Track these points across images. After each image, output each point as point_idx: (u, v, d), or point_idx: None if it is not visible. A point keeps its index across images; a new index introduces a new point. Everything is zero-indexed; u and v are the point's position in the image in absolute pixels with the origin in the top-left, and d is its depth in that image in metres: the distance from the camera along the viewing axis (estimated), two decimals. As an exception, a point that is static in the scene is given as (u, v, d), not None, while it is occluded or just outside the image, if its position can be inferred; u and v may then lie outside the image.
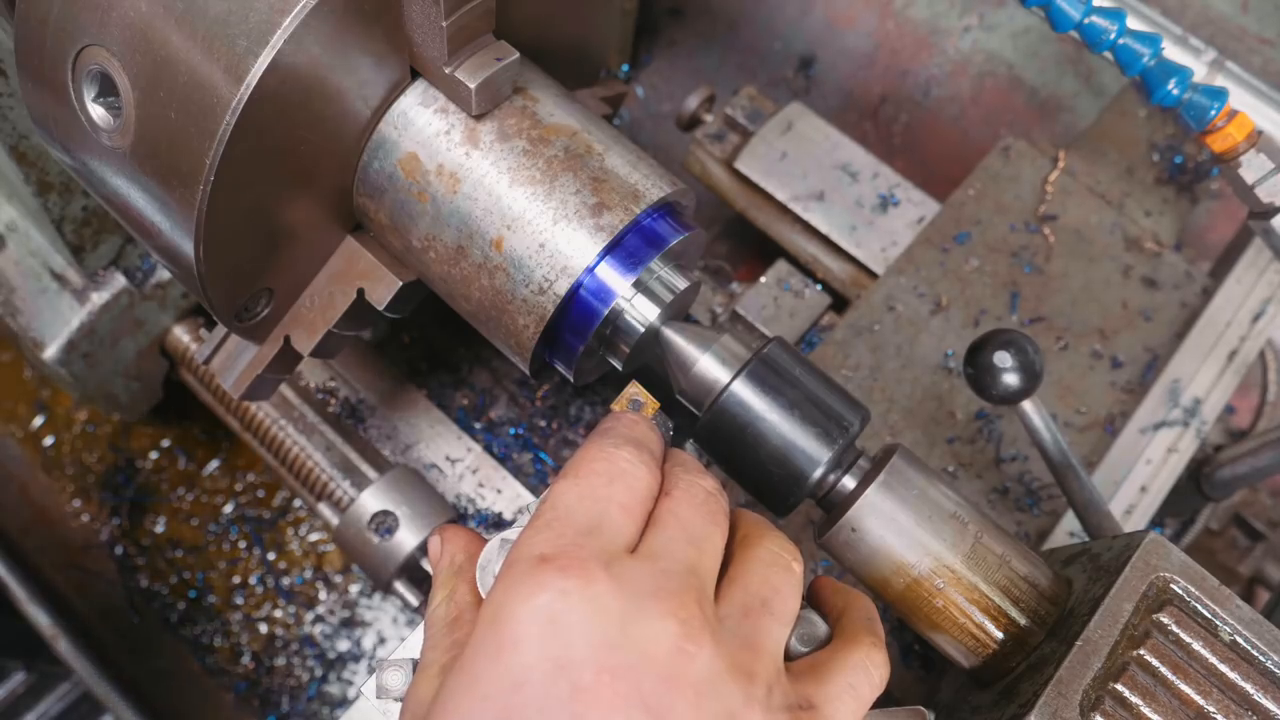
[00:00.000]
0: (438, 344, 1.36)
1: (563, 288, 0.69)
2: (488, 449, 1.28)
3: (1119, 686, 0.64)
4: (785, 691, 0.53)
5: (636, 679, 0.47)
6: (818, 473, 0.70)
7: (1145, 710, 0.63)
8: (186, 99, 0.62)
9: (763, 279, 1.22)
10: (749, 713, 0.49)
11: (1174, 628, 0.65)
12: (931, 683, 1.00)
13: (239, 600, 1.33)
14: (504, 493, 1.23)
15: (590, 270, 0.69)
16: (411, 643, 0.65)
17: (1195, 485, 1.20)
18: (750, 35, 1.74)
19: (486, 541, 0.61)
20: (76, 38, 0.65)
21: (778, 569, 0.56)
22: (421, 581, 1.16)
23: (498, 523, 1.21)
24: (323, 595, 1.33)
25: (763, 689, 0.51)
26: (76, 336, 1.13)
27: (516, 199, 0.69)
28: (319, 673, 1.30)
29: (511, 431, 1.32)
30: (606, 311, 0.70)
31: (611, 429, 0.60)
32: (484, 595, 0.59)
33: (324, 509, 1.15)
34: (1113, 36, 0.81)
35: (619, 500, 0.54)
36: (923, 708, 0.65)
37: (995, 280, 1.14)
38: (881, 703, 0.60)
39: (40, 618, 1.25)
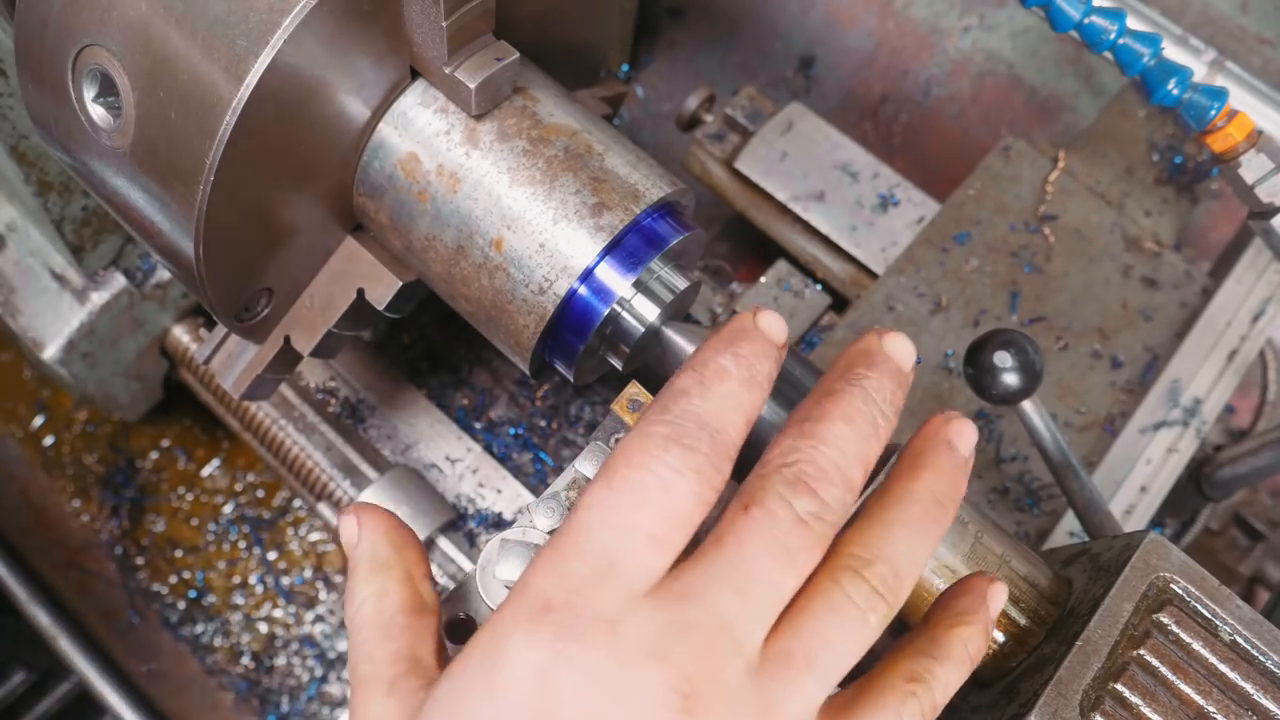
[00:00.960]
0: (438, 344, 1.36)
1: (563, 288, 0.69)
2: (488, 449, 1.28)
3: (1119, 686, 0.64)
4: None
5: None
6: (818, 473, 0.70)
7: (1145, 710, 0.63)
8: (186, 99, 0.62)
9: (763, 279, 1.22)
10: None
11: (1174, 628, 0.65)
12: (931, 683, 0.99)
13: (239, 600, 1.33)
14: (504, 493, 1.23)
15: (590, 270, 0.69)
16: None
17: (1195, 485, 1.20)
18: (750, 35, 1.74)
19: (407, 526, 0.58)
20: (76, 37, 0.65)
21: (841, 620, 0.47)
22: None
23: (498, 523, 1.21)
24: (323, 595, 1.33)
25: None
26: (76, 336, 1.13)
27: (516, 199, 0.69)
28: (319, 673, 1.30)
29: (511, 431, 1.32)
30: (607, 311, 0.70)
31: (679, 396, 0.48)
32: (484, 596, 0.59)
33: (324, 509, 1.15)
34: (1113, 36, 0.81)
35: (647, 529, 0.45)
36: (923, 708, 0.65)
37: (995, 280, 1.14)
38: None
39: (40, 618, 1.25)
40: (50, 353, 1.13)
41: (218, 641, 1.31)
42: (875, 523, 0.50)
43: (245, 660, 1.30)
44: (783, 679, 0.45)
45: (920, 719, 0.50)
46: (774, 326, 0.51)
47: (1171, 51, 1.08)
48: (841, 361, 0.52)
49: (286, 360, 0.82)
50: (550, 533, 0.60)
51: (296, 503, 1.37)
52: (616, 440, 0.66)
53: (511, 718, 0.43)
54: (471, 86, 0.67)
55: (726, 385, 0.48)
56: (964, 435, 0.53)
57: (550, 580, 0.45)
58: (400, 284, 0.76)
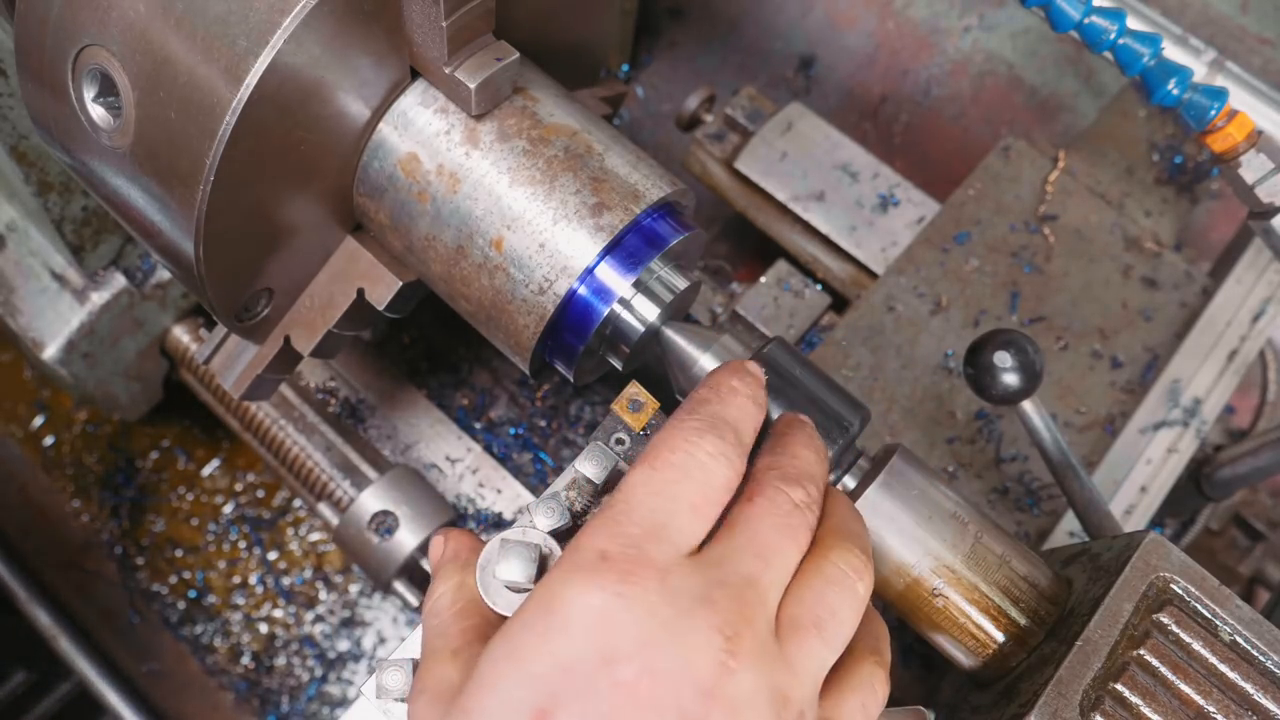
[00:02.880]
0: (438, 344, 1.36)
1: (563, 288, 0.69)
2: (488, 449, 1.28)
3: (1119, 686, 0.64)
4: (815, 715, 0.53)
5: (676, 685, 0.48)
6: (818, 473, 0.70)
7: (1145, 710, 0.63)
8: (186, 99, 0.62)
9: (763, 279, 1.22)
10: None
11: (1174, 628, 0.65)
12: (931, 683, 1.00)
13: (239, 600, 1.33)
14: (504, 493, 1.23)
15: (590, 270, 0.69)
16: (411, 643, 0.65)
17: (1195, 485, 1.20)
18: (750, 35, 1.74)
19: (487, 544, 0.61)
20: (76, 37, 0.65)
21: (839, 589, 0.55)
22: (422, 582, 1.16)
23: (498, 523, 1.21)
24: (323, 595, 1.33)
25: (795, 713, 0.51)
26: (76, 336, 1.13)
27: (516, 199, 0.69)
28: (319, 673, 1.30)
29: (511, 431, 1.32)
30: (607, 311, 0.70)
31: (703, 403, 0.58)
32: (484, 595, 0.59)
33: (324, 509, 1.15)
34: (1113, 36, 0.81)
35: (690, 499, 0.53)
36: (922, 708, 0.66)
37: (995, 280, 1.14)
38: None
39: (40, 618, 1.25)
40: (50, 353, 1.13)
41: (218, 641, 1.31)
42: (837, 520, 0.60)
43: (245, 660, 1.30)
44: (796, 641, 0.52)
45: (885, 685, 0.59)
46: (757, 370, 0.63)
47: (1171, 51, 1.08)
48: (781, 419, 0.64)
49: (286, 360, 0.82)
50: (551, 533, 0.61)
51: (296, 503, 1.37)
52: (616, 440, 0.66)
53: (574, 654, 0.48)
54: (471, 86, 0.67)
55: (739, 399, 0.59)
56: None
57: (604, 537, 0.51)
58: (400, 284, 0.76)
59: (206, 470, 1.39)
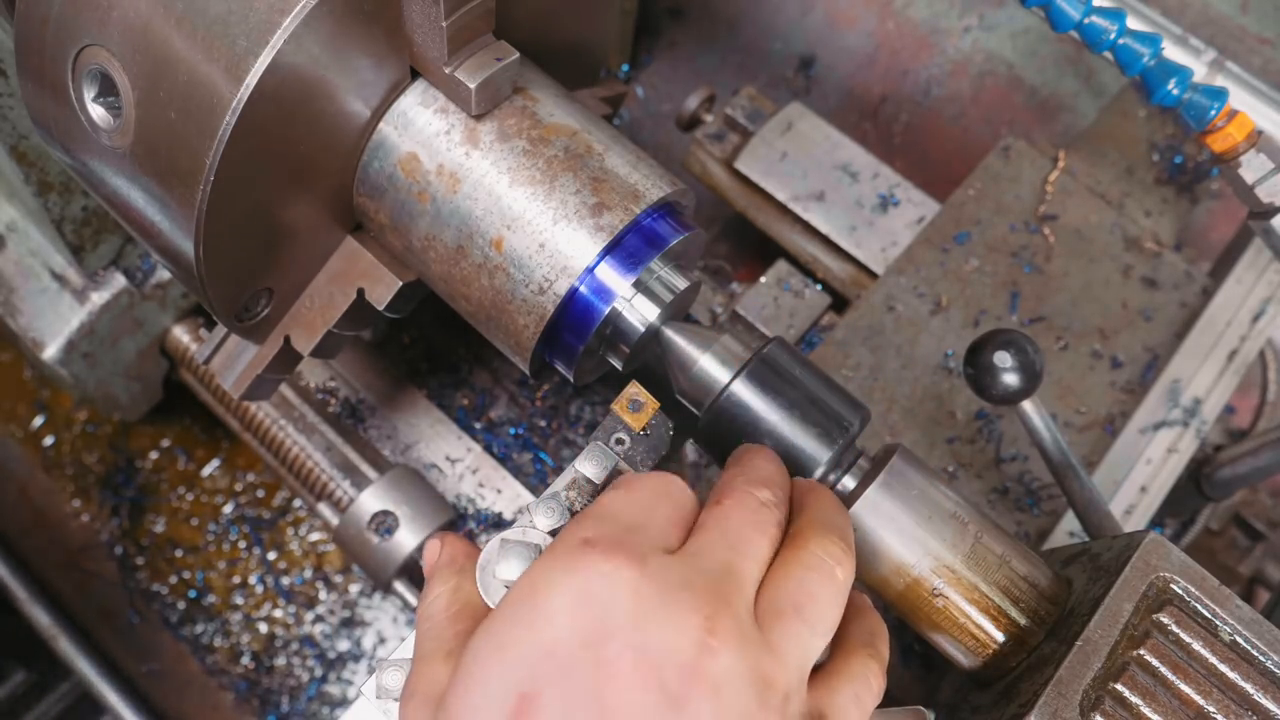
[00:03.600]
0: (438, 344, 1.36)
1: (563, 288, 0.69)
2: (488, 449, 1.28)
3: (1119, 686, 0.64)
4: (803, 701, 0.53)
5: (659, 664, 0.48)
6: (818, 473, 0.70)
7: (1145, 710, 0.63)
8: (186, 99, 0.62)
9: (763, 279, 1.22)
10: (764, 717, 0.50)
11: (1174, 628, 0.65)
12: (931, 683, 1.00)
13: (239, 600, 1.33)
14: (504, 493, 1.23)
15: (590, 270, 0.69)
16: (411, 642, 0.65)
17: (1195, 485, 1.20)
18: (750, 35, 1.74)
19: (486, 544, 0.61)
20: (76, 37, 0.65)
21: (818, 575, 0.56)
22: (422, 582, 1.15)
23: (498, 523, 1.21)
24: (323, 595, 1.33)
25: (780, 696, 0.51)
26: (76, 336, 1.13)
27: (516, 199, 0.70)
28: (319, 673, 1.30)
29: (511, 431, 1.32)
30: (607, 311, 0.70)
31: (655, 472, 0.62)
32: (484, 595, 0.59)
33: (324, 509, 1.15)
34: (1113, 36, 0.81)
35: (664, 512, 0.56)
36: (922, 708, 0.66)
37: (995, 280, 1.14)
38: (882, 703, 0.60)
39: (40, 618, 1.25)
40: (50, 353, 1.13)
41: (218, 641, 1.31)
42: (816, 513, 0.62)
43: (245, 660, 1.30)
44: (778, 626, 0.53)
45: (880, 679, 0.60)
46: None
47: (1171, 51, 1.08)
48: (739, 447, 0.67)
49: (286, 360, 0.82)
50: (551, 533, 0.61)
51: (296, 503, 1.37)
52: (616, 440, 0.66)
53: (556, 637, 0.49)
54: (471, 86, 0.67)
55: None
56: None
57: (586, 528, 0.54)
58: (400, 284, 0.76)
59: (206, 470, 1.39)
